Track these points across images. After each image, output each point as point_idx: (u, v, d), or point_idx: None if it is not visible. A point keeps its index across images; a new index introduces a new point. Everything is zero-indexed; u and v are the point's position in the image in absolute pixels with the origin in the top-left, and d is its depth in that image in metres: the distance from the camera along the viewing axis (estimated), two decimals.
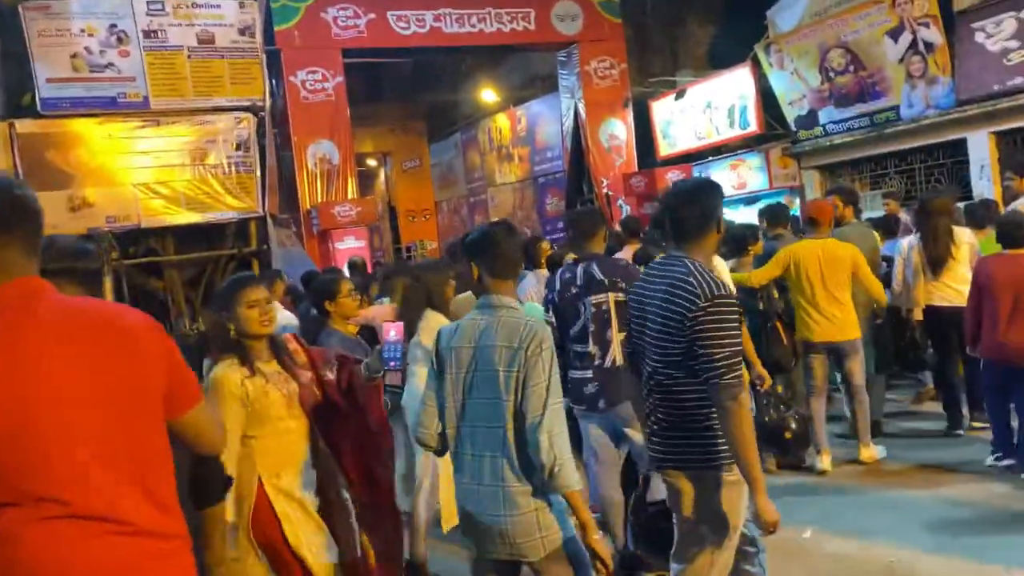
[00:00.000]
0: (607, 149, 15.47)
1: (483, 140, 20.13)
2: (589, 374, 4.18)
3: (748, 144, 14.02)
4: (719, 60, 14.95)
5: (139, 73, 9.29)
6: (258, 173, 9.89)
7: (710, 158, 14.66)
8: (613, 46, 15.44)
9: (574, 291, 4.22)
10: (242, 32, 9.71)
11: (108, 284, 9.09)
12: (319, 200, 13.68)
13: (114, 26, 9.16)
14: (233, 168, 9.71)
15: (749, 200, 13.82)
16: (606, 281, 4.14)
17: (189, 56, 9.53)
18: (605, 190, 15.31)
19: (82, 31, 9.03)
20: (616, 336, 4.10)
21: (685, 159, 14.82)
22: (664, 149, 15.37)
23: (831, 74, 12.35)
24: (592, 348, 4.16)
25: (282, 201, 15.50)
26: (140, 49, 9.29)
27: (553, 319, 4.27)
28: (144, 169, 9.32)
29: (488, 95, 19.01)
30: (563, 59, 15.86)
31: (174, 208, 9.48)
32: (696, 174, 14.64)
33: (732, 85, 13.83)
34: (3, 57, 8.76)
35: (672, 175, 14.17)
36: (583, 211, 5.02)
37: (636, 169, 15.34)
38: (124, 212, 9.22)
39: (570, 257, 5.23)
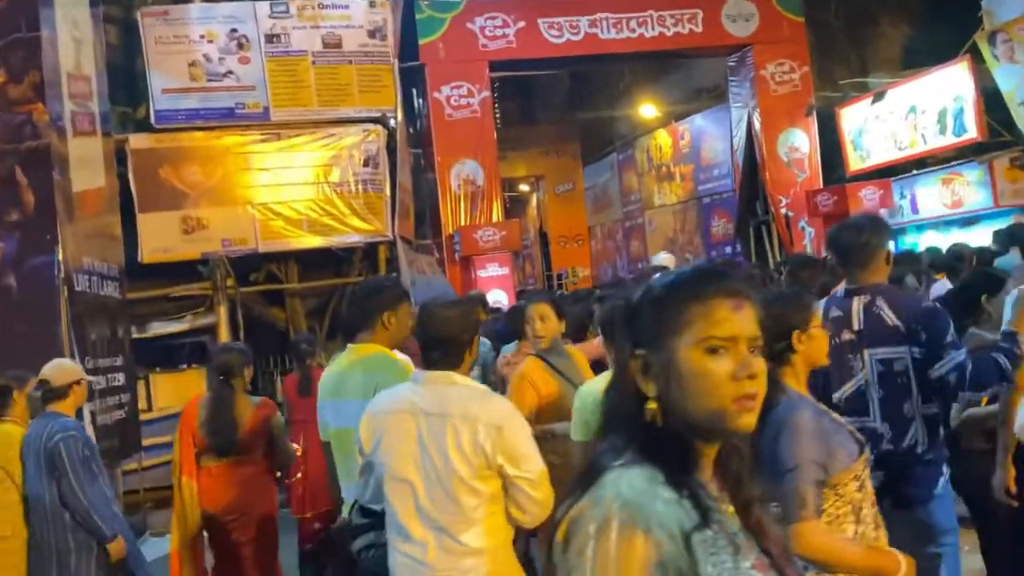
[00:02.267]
0: (787, 163, 13.29)
1: (641, 159, 18.34)
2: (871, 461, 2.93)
3: (964, 154, 11.51)
4: (916, 62, 12.55)
5: (259, 81, 8.27)
6: (388, 192, 8.63)
7: (914, 172, 12.20)
8: (793, 48, 13.30)
9: (847, 337, 3.10)
10: (372, 35, 8.52)
11: (223, 314, 8.06)
12: (462, 224, 12.37)
13: (235, 31, 8.19)
14: (360, 186, 8.50)
15: (967, 221, 11.29)
16: (902, 327, 2.99)
17: (314, 62, 8.45)
18: (784, 210, 13.14)
19: (201, 37, 8.11)
20: (919, 407, 3.01)
21: (881, 173, 12.42)
22: (855, 162, 13.01)
23: None
24: (877, 424, 3.06)
25: (425, 226, 14.44)
26: (262, 55, 8.28)
27: None
28: (263, 187, 8.27)
29: (648, 110, 17.24)
30: (733, 64, 13.86)
31: (295, 231, 8.36)
32: (897, 191, 12.24)
33: (944, 84, 11.37)
34: (117, 69, 7.93)
35: (867, 192, 11.87)
36: (856, 221, 3.38)
37: (821, 186, 13.07)
38: (241, 235, 8.18)
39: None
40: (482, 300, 6.82)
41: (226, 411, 4.04)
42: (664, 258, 11.27)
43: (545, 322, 3.82)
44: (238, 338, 7.89)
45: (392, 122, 8.71)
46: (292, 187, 8.32)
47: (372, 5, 8.47)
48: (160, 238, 7.85)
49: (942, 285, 5.91)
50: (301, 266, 8.74)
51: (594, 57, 13.46)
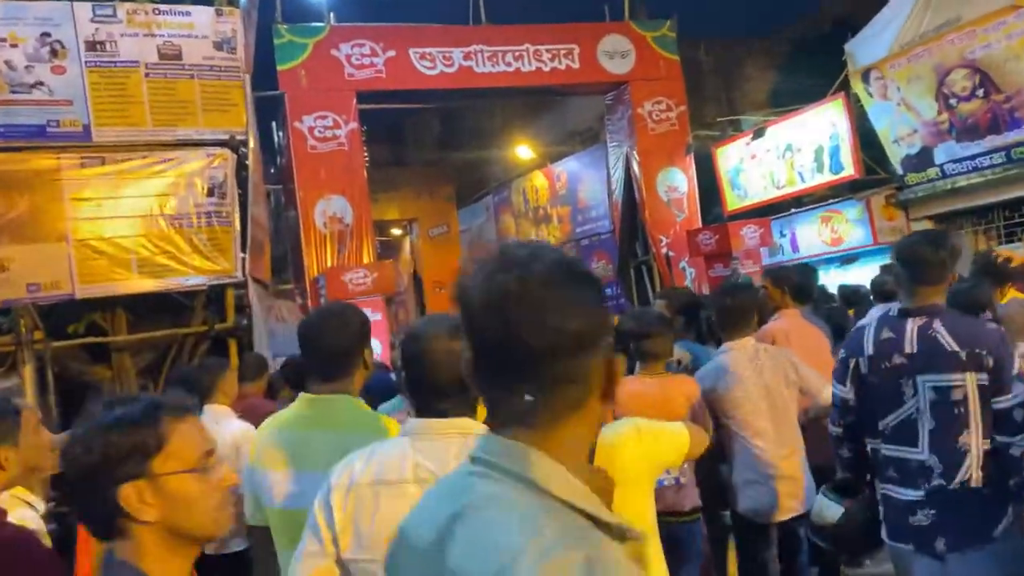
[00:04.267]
0: (666, 202, 12.82)
1: (517, 201, 17.65)
2: (920, 495, 2.75)
3: (839, 192, 11.36)
4: (783, 104, 12.48)
5: (78, 95, 6.86)
6: (237, 226, 7.34)
7: (793, 210, 11.97)
8: (670, 86, 12.94)
9: (898, 361, 2.79)
10: (219, 46, 7.30)
11: (28, 374, 6.50)
12: (329, 265, 11.11)
13: (47, 35, 6.78)
14: (204, 219, 7.18)
15: (847, 259, 11.08)
16: (962, 353, 2.69)
17: (147, 74, 7.13)
18: (665, 249, 12.62)
19: (2, 40, 6.64)
20: (978, 440, 2.68)
21: (760, 212, 12.13)
22: (733, 201, 12.73)
23: (952, 101, 9.70)
24: (925, 455, 2.75)
25: (287, 271, 13.05)
26: (81, 64, 6.89)
27: (850, 396, 2.93)
28: (83, 221, 6.81)
29: (523, 151, 16.65)
30: (610, 102, 13.39)
31: (123, 272, 6.93)
32: (777, 230, 11.94)
33: (820, 122, 11.22)
34: None
35: (748, 230, 11.46)
36: (935, 236, 3.03)
37: (700, 225, 12.66)
38: (53, 277, 6.68)
39: None
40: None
41: None
42: None
43: None
44: (46, 402, 6.36)
45: (243, 147, 7.46)
46: (119, 220, 6.90)
47: (219, 13, 7.27)
48: None
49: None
50: (131, 314, 7.28)
51: (469, 91, 12.64)
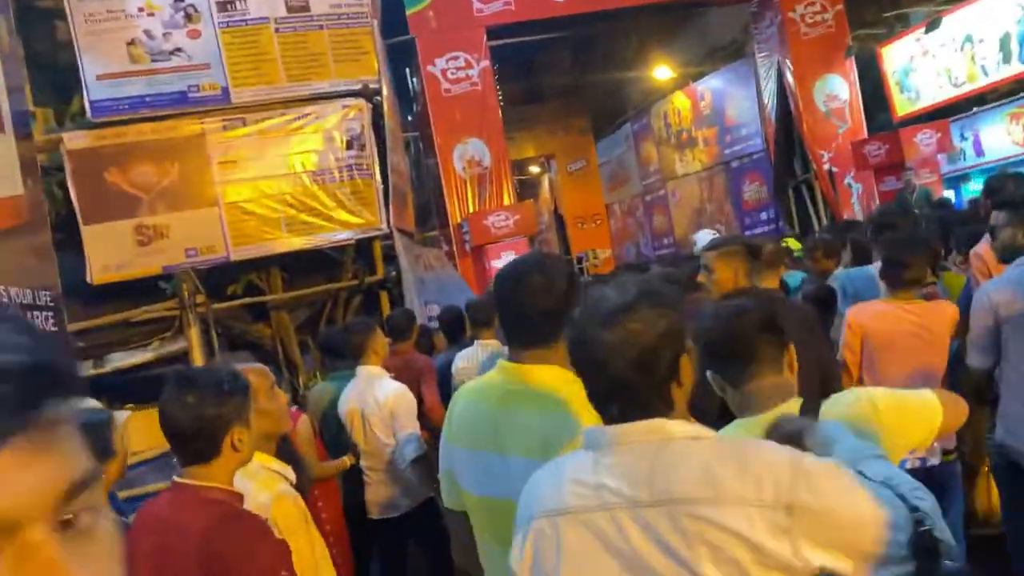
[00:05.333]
0: (826, 114, 11.71)
1: (658, 127, 16.79)
2: None
3: None
4: None
5: (214, 58, 6.82)
6: (378, 177, 7.19)
7: (975, 109, 10.62)
8: None
9: None
10: None
11: (195, 336, 6.67)
12: (470, 211, 10.94)
13: (180, 0, 6.75)
14: (345, 173, 7.07)
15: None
16: None
17: (277, 29, 6.99)
18: (827, 166, 11.59)
19: (141, 11, 6.67)
20: None
21: (935, 116, 10.85)
22: (903, 106, 11.45)
23: None
24: None
25: (431, 218, 12.99)
26: (215, 26, 6.83)
27: None
28: (230, 183, 6.84)
29: (661, 73, 15.70)
30: (756, 10, 12.29)
31: (273, 232, 6.93)
32: (957, 133, 10.66)
33: (1004, 6, 9.78)
34: (40, 62, 6.53)
35: (923, 136, 10.32)
36: None
37: (866, 135, 11.51)
38: (208, 242, 6.76)
39: None
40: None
41: None
42: (707, 235, 9.87)
43: None
44: (213, 364, 6.50)
45: (377, 95, 7.24)
46: (265, 181, 6.89)
47: None
48: (111, 253, 6.46)
49: None
50: (285, 273, 7.33)
51: (601, 14, 11.93)
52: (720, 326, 1.74)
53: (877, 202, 10.90)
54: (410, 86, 12.87)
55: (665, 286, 1.39)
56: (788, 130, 12.21)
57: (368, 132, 7.16)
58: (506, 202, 11.02)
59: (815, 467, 1.17)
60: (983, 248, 3.72)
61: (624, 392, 1.25)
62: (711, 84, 14.77)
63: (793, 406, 1.69)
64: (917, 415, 1.70)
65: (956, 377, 3.22)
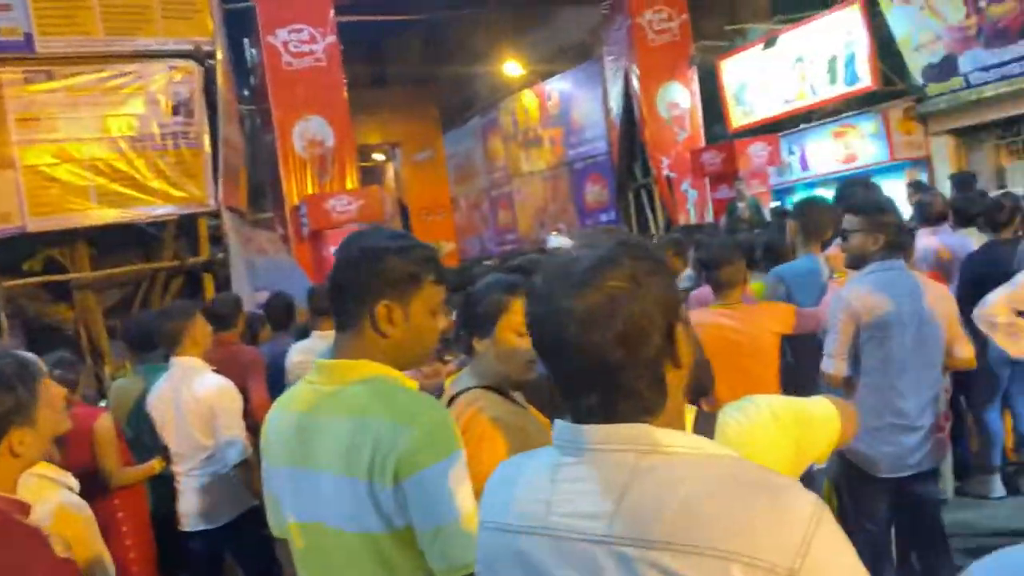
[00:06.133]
0: (667, 121, 12.02)
1: (506, 123, 16.73)
2: None
3: (852, 106, 10.61)
4: (792, 12, 11.57)
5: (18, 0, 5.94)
6: (207, 148, 6.54)
7: (802, 126, 11.23)
8: None
9: None
10: None
11: None
12: (309, 193, 10.32)
13: None
14: (170, 141, 6.37)
15: (862, 177, 10.39)
16: None
17: None
18: (665, 171, 11.90)
19: None
20: None
21: (766, 129, 11.39)
22: (739, 118, 11.95)
23: (982, 3, 8.91)
24: None
25: (267, 198, 12.21)
26: None
27: None
28: (31, 144, 5.98)
29: (511, 68, 15.64)
30: (606, 12, 12.44)
31: (81, 202, 6.15)
32: (786, 147, 11.23)
33: (834, 30, 10.38)
34: None
35: (755, 148, 10.78)
36: None
37: (704, 144, 11.92)
38: (2, 209, 5.88)
39: None
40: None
41: None
42: (556, 240, 9.92)
43: None
44: None
45: (210, 59, 6.58)
46: (73, 144, 6.07)
47: None
48: None
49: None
50: (94, 249, 6.52)
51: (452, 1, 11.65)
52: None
53: (711, 209, 11.31)
54: (248, 56, 12.02)
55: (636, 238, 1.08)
56: (631, 135, 12.45)
57: (198, 98, 6.51)
58: (349, 187, 10.49)
59: (833, 533, 0.90)
60: (835, 251, 3.75)
61: (605, 378, 0.94)
62: (559, 84, 14.86)
63: (688, 416, 1.46)
64: (817, 425, 1.53)
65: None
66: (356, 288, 1.55)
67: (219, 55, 6.72)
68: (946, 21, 9.27)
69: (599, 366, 0.93)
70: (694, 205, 12.00)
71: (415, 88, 18.54)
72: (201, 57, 6.56)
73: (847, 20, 10.19)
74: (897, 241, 2.92)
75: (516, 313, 1.98)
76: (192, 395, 3.38)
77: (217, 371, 3.53)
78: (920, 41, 9.64)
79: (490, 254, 15.95)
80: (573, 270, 0.95)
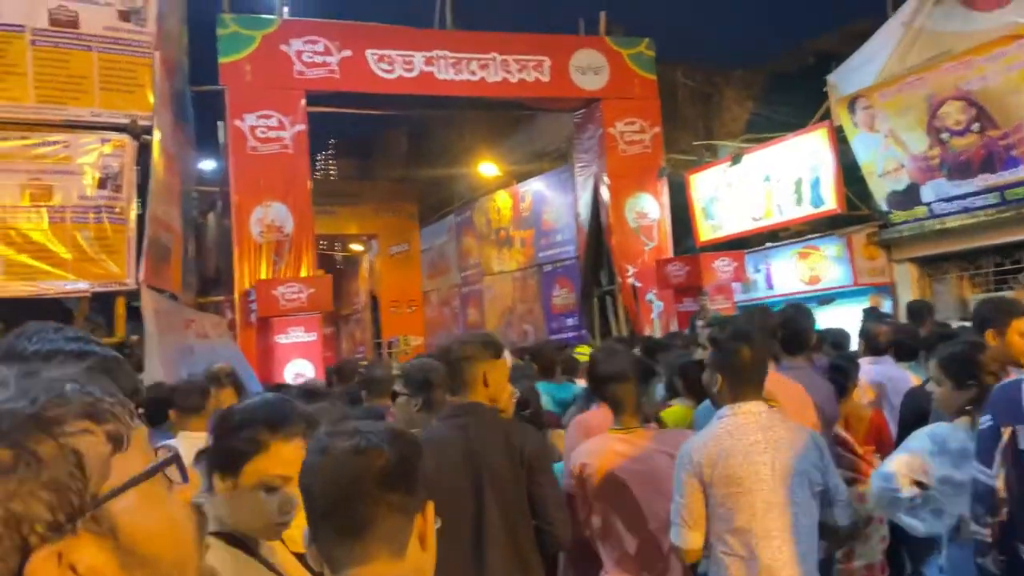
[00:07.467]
0: (635, 230, 11.85)
1: (479, 222, 16.62)
2: None
3: (817, 228, 10.47)
4: (764, 133, 11.64)
5: None
6: (133, 224, 6.21)
7: (768, 245, 11.05)
8: (645, 106, 12.04)
9: None
10: (125, 17, 6.21)
11: None
12: (262, 278, 9.98)
13: None
14: (92, 215, 6.04)
15: (824, 299, 10.15)
16: None
17: (33, 42, 6.00)
18: (631, 280, 11.64)
19: None
20: None
21: (733, 245, 11.22)
22: (706, 232, 11.79)
23: (944, 135, 8.85)
24: None
25: (226, 282, 11.87)
26: None
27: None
28: None
29: (488, 169, 15.64)
30: (580, 120, 12.46)
31: None
32: (752, 264, 11.02)
33: (801, 152, 10.34)
34: None
35: (721, 263, 10.53)
36: None
37: (671, 255, 11.71)
38: None
39: None
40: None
41: None
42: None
43: None
44: None
45: (147, 134, 6.35)
46: None
47: None
48: None
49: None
50: (2, 322, 6.11)
51: (428, 99, 11.64)
52: None
53: (676, 320, 10.98)
54: (219, 140, 11.92)
55: None
56: (599, 241, 12.27)
57: (129, 173, 6.23)
58: (304, 274, 10.17)
59: None
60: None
61: None
62: (533, 187, 14.81)
63: None
64: None
65: None
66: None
67: (158, 133, 6.48)
68: (909, 150, 9.21)
69: None
70: (659, 316, 11.68)
71: (398, 183, 18.64)
72: (137, 132, 6.32)
73: (813, 143, 10.16)
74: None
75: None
76: None
77: None
78: (884, 168, 9.57)
79: None
80: None
